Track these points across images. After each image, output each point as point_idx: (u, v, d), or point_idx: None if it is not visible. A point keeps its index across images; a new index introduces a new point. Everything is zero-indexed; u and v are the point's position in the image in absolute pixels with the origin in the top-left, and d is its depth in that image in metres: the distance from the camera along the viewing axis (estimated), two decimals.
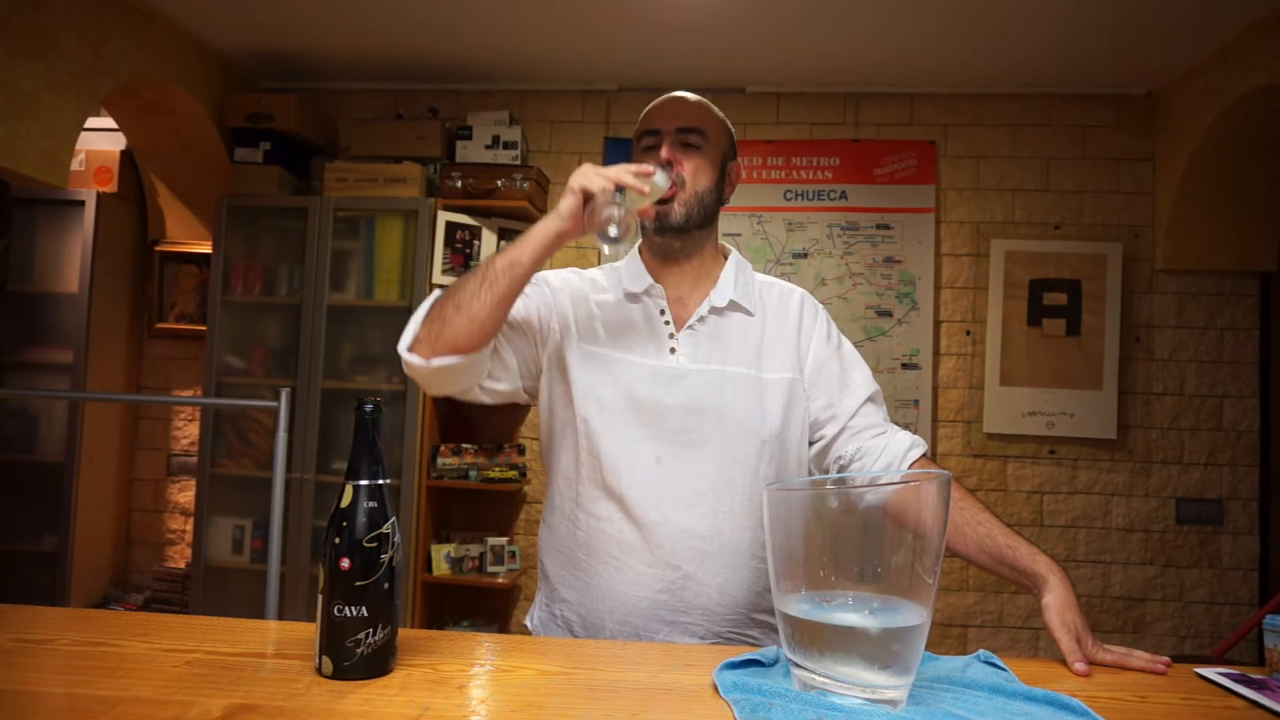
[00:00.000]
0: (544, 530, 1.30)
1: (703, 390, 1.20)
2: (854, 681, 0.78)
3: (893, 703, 0.79)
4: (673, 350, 1.22)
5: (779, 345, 1.25)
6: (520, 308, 1.24)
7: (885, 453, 1.21)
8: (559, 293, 1.29)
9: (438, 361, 1.12)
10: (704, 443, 1.18)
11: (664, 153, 1.21)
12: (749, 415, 1.20)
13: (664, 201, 1.20)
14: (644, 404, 1.19)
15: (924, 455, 1.24)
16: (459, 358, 1.12)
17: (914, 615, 0.78)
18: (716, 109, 1.29)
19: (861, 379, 1.27)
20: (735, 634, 1.19)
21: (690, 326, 1.23)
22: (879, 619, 0.78)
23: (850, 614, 0.79)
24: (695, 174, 1.23)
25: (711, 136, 1.25)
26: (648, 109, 1.28)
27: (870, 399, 1.26)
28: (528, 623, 1.33)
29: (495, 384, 1.22)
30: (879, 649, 0.78)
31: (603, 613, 1.18)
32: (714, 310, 1.25)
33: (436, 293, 1.17)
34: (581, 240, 3.41)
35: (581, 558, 1.21)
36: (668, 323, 1.24)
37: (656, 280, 1.26)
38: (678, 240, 1.25)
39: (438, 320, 1.13)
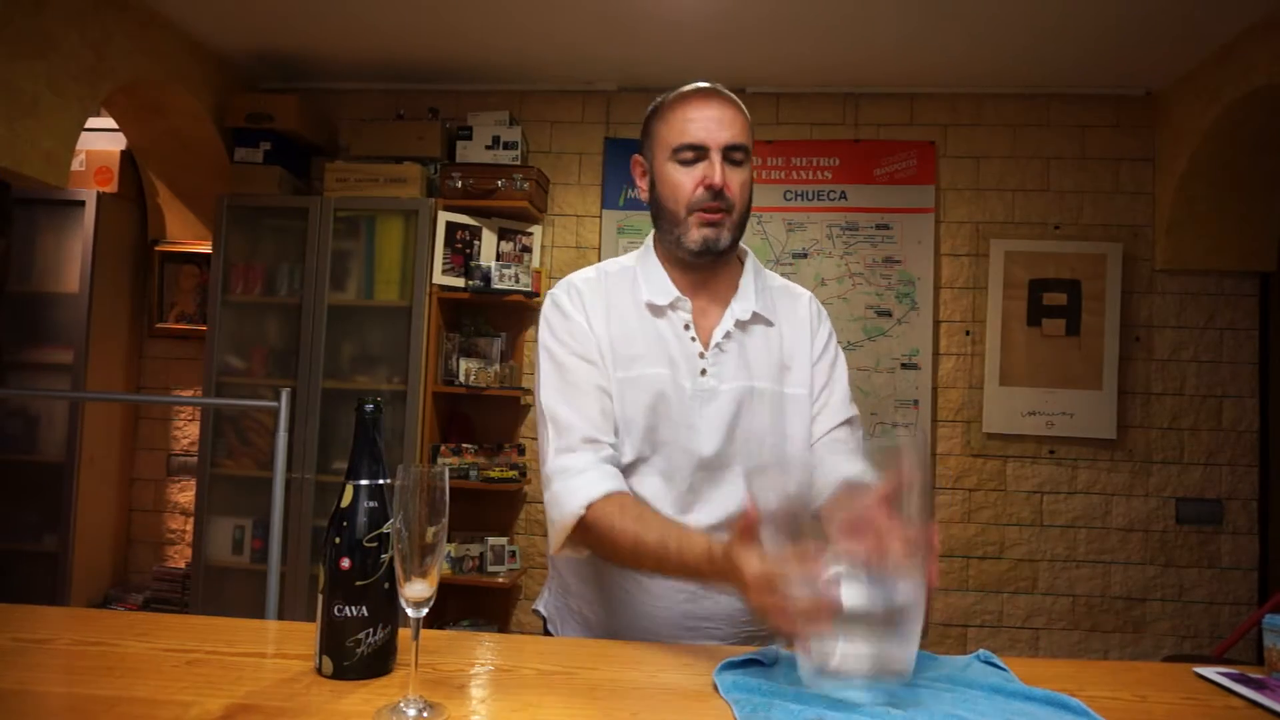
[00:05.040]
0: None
1: (732, 410, 1.18)
2: (859, 654, 0.81)
3: (899, 674, 0.81)
4: (704, 372, 1.18)
5: (797, 356, 1.23)
6: (589, 381, 1.18)
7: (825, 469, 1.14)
8: (595, 327, 1.20)
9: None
10: (732, 463, 1.17)
11: (717, 178, 1.14)
12: (775, 436, 1.19)
13: (713, 225, 1.15)
14: (679, 427, 1.17)
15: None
16: None
17: (907, 588, 0.81)
18: (742, 106, 1.21)
19: (839, 401, 1.24)
20: (755, 632, 1.19)
21: (718, 345, 1.19)
22: (877, 593, 0.81)
23: (848, 590, 0.81)
24: (741, 192, 1.17)
25: (750, 148, 1.19)
26: (682, 112, 1.17)
27: (847, 423, 1.24)
28: (540, 608, 1.33)
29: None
30: (880, 624, 0.81)
31: (626, 622, 1.18)
32: (738, 324, 1.21)
33: (580, 501, 1.09)
34: (582, 239, 3.41)
35: (606, 577, 1.20)
36: (694, 339, 1.20)
37: (682, 292, 1.21)
38: (718, 260, 1.21)
39: (607, 556, 1.13)
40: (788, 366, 1.22)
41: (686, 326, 1.20)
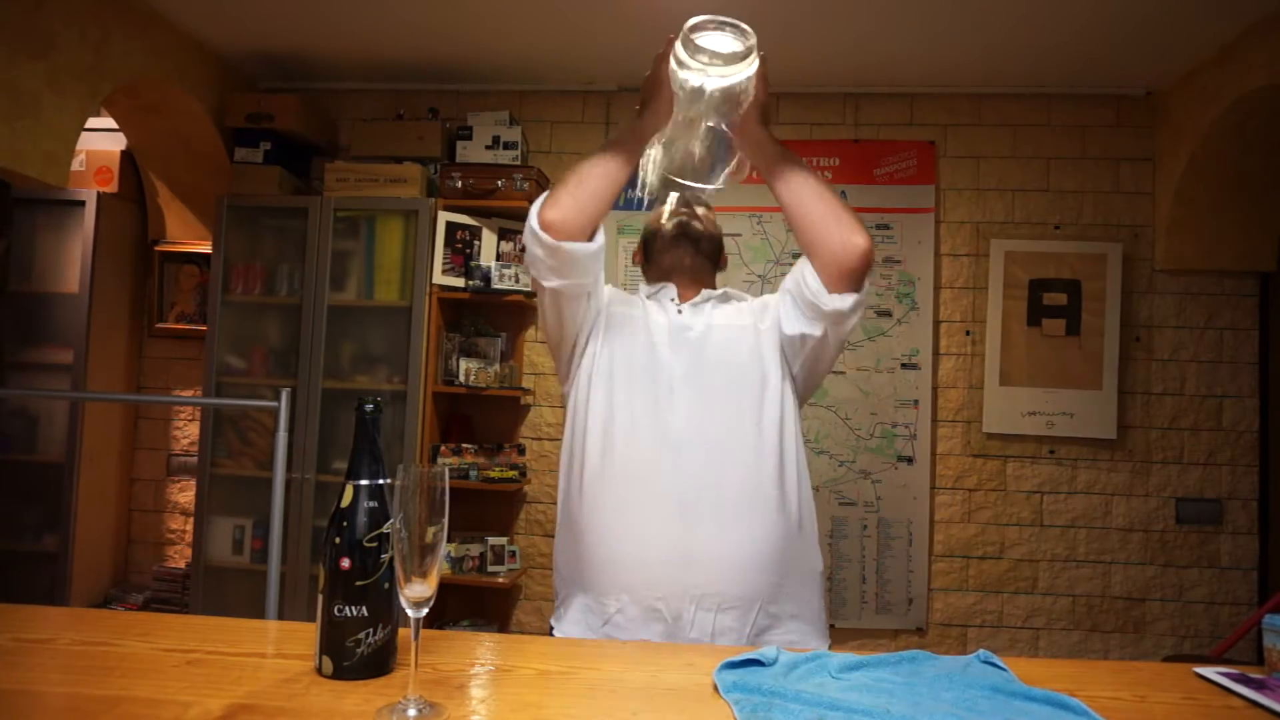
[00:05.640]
0: (558, 539, 1.36)
1: (705, 337, 1.34)
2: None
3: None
4: (680, 311, 1.40)
5: (766, 309, 1.41)
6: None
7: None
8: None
9: (573, 246, 1.26)
10: (709, 389, 1.29)
11: (686, 203, 1.48)
12: (751, 361, 1.32)
13: (686, 221, 1.45)
14: (659, 350, 1.33)
15: None
16: (589, 244, 1.28)
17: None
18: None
19: None
20: (756, 610, 1.21)
21: (693, 303, 1.42)
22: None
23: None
24: (706, 219, 1.48)
25: (710, 211, 1.53)
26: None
27: None
28: (552, 621, 1.36)
29: (595, 298, 1.37)
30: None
31: (617, 577, 1.22)
32: (711, 297, 1.44)
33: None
34: None
35: (592, 526, 1.25)
36: (674, 301, 1.43)
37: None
38: (689, 256, 1.44)
39: (574, 180, 1.28)
40: (759, 313, 1.40)
41: (673, 299, 1.43)
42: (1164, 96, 3.18)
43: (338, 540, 0.87)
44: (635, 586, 1.20)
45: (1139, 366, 3.20)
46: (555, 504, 3.35)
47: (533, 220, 1.26)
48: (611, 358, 1.34)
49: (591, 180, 1.27)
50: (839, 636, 3.20)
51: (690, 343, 1.34)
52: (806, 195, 1.27)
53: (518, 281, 3.15)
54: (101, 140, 3.42)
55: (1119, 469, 3.18)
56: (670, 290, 1.44)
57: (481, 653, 0.97)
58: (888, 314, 3.26)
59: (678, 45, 1.24)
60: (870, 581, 3.21)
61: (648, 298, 1.45)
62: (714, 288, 1.48)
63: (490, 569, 3.12)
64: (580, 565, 1.27)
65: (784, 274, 3.39)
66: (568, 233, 1.25)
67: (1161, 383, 3.19)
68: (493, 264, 3.16)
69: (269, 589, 2.14)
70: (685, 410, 1.26)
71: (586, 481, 1.27)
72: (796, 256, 3.52)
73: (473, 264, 3.15)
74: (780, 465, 1.26)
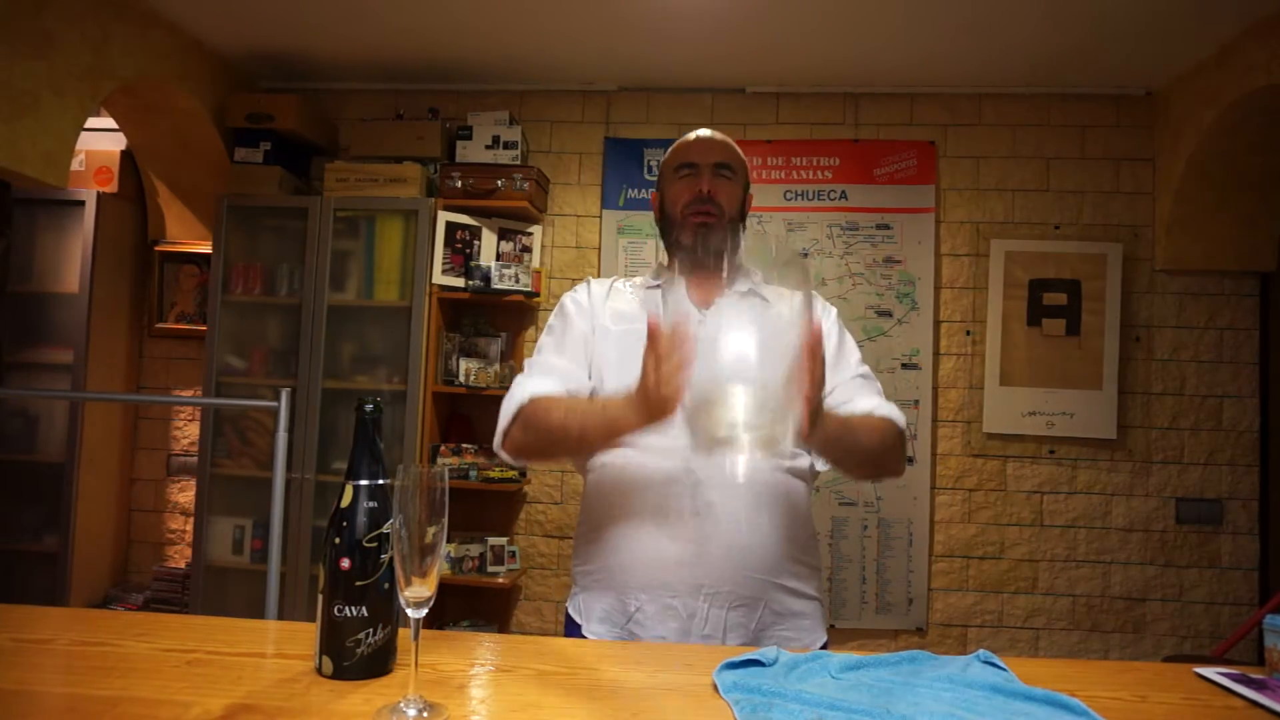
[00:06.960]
0: (579, 538, 1.38)
1: (726, 346, 1.29)
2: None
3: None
4: (700, 321, 1.31)
5: (794, 322, 1.33)
6: (579, 331, 1.37)
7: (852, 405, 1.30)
8: (595, 301, 1.40)
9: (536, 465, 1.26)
10: (731, 384, 1.26)
11: (704, 185, 1.34)
12: (773, 373, 1.28)
13: (703, 224, 1.34)
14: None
15: (887, 419, 1.29)
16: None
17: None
18: (732, 141, 1.44)
19: (855, 361, 1.37)
20: (761, 608, 1.23)
21: (715, 305, 1.33)
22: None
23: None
24: (729, 201, 1.37)
25: (738, 170, 1.41)
26: (681, 144, 1.42)
27: (861, 377, 1.35)
28: (572, 613, 1.37)
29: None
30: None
31: (634, 578, 1.24)
32: (734, 293, 1.37)
33: (527, 393, 1.26)
34: (582, 240, 3.41)
35: (611, 532, 1.27)
36: (693, 304, 1.34)
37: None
38: (712, 259, 1.36)
39: (539, 445, 1.26)
40: (786, 326, 1.34)
41: (686, 294, 1.34)
42: (1164, 96, 3.18)
43: (338, 540, 0.87)
44: (652, 587, 1.23)
45: (1139, 366, 3.20)
46: (555, 504, 3.36)
47: (496, 440, 1.29)
48: (622, 373, 1.29)
49: (556, 455, 1.31)
50: (839, 636, 3.20)
51: (709, 348, 1.29)
52: (867, 471, 1.32)
53: (517, 281, 3.15)
54: (101, 140, 3.42)
55: (1119, 469, 3.18)
56: (680, 286, 1.37)
57: (481, 653, 0.97)
58: (888, 314, 3.26)
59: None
60: (870, 581, 3.21)
61: (649, 289, 1.40)
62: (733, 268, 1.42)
63: (490, 569, 3.12)
64: (604, 565, 1.30)
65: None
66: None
67: (1161, 383, 3.19)
68: (492, 264, 3.16)
69: (269, 589, 2.14)
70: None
71: (606, 488, 1.30)
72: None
73: (473, 264, 3.15)
74: (792, 468, 1.28)
